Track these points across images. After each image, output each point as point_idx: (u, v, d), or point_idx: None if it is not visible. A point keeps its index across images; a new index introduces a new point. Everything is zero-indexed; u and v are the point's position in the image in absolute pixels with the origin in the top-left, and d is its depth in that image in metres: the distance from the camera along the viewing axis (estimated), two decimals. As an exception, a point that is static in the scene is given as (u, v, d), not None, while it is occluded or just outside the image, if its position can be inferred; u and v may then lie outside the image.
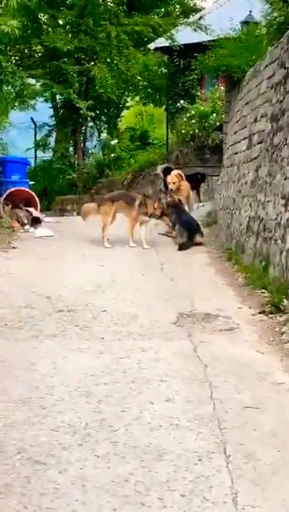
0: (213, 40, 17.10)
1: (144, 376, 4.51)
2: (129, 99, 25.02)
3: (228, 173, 10.49)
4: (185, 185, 11.43)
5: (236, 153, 9.95)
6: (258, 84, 9.03)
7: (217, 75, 20.94)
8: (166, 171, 14.62)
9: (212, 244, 9.72)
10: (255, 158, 8.45)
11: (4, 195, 11.84)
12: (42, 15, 21.99)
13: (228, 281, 7.41)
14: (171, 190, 11.36)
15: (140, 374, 4.55)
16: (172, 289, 7.11)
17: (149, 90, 25.48)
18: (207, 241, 10.13)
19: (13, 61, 21.84)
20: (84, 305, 6.34)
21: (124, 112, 25.57)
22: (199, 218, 11.72)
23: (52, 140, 24.39)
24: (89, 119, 22.62)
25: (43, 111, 24.24)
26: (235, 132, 10.34)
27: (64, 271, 7.91)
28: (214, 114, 17.98)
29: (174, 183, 11.35)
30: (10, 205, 11.64)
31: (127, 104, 24.92)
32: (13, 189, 12.00)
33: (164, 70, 23.20)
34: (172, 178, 11.51)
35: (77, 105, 19.73)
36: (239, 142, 9.85)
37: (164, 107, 25.49)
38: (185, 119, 18.59)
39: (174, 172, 11.90)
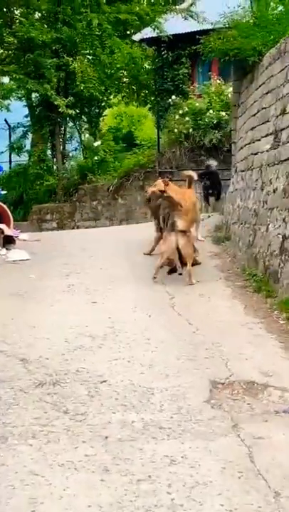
0: (211, 29, 15.49)
1: (183, 525, 2.77)
2: (112, 96, 23.17)
3: (245, 179, 8.76)
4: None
5: (256, 154, 8.23)
6: (284, 67, 7.35)
7: (210, 66, 19.48)
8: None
9: (229, 269, 7.95)
10: (287, 159, 6.75)
11: None
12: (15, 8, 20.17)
13: (265, 325, 5.65)
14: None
15: (175, 520, 2.81)
16: (193, 338, 5.34)
17: (133, 87, 23.68)
18: (221, 263, 8.37)
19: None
20: (74, 372, 4.55)
21: (107, 111, 23.74)
22: (207, 232, 9.99)
23: (28, 142, 22.55)
24: (68, 118, 20.81)
25: (18, 110, 22.39)
26: (253, 128, 8.63)
27: (45, 313, 6.10)
28: (210, 111, 16.32)
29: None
30: (-25, 223, 9.79)
31: (110, 102, 23.04)
32: (-22, 202, 10.16)
33: (147, 66, 21.43)
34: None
35: (56, 103, 17.89)
36: (259, 140, 8.14)
37: (148, 106, 23.76)
38: (177, 117, 16.90)
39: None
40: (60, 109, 18.05)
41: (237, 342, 5.21)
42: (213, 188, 13.62)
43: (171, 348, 5.04)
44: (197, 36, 10.59)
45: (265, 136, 7.81)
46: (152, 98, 22.31)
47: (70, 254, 9.15)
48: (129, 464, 3.30)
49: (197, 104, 16.67)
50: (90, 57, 19.23)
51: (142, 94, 23.86)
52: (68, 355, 4.88)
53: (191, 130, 16.47)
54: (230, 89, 17.24)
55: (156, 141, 18.73)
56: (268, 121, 7.81)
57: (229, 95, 16.83)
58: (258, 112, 8.34)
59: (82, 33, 18.37)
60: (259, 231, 7.37)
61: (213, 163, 14.02)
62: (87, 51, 18.66)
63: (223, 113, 16.26)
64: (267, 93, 8.05)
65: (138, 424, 3.76)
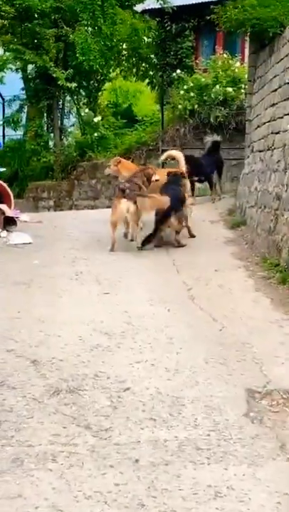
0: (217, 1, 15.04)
1: None
2: (111, 69, 22.37)
3: (264, 160, 8.25)
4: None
5: (277, 133, 7.72)
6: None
7: (215, 40, 18.86)
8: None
9: (248, 257, 7.47)
10: (317, 139, 6.26)
11: None
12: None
13: (297, 322, 5.19)
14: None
15: None
16: (220, 337, 4.88)
17: (132, 60, 22.90)
18: (238, 250, 7.89)
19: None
20: (93, 376, 4.09)
21: (106, 85, 22.98)
22: (219, 216, 9.51)
23: (23, 117, 21.79)
24: (66, 92, 20.08)
25: (12, 83, 21.57)
26: (273, 105, 8.10)
27: (54, 306, 5.61)
28: (217, 86, 15.70)
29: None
30: (-27, 202, 9.23)
31: (110, 76, 22.25)
32: (-24, 180, 9.58)
33: (145, 38, 20.67)
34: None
35: (55, 75, 17.20)
36: (282, 118, 7.62)
37: (146, 80, 23.01)
38: (182, 92, 16.27)
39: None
40: (59, 82, 17.38)
41: (269, 342, 4.75)
42: (200, 173, 12.07)
43: (197, 349, 4.58)
44: (212, 7, 9.91)
45: (289, 113, 7.30)
46: (152, 72, 21.66)
47: (75, 238, 8.64)
48: (167, 497, 2.85)
49: (203, 80, 16.02)
50: (91, 29, 18.46)
51: (142, 68, 23.14)
52: (84, 356, 4.40)
53: (196, 106, 15.85)
54: (238, 63, 16.78)
55: (158, 117, 18.16)
56: (292, 97, 7.30)
57: (236, 70, 16.33)
58: (280, 87, 7.81)
59: (82, 2, 17.61)
60: (282, 217, 6.88)
61: (209, 139, 13.14)
62: (88, 21, 17.90)
63: (230, 89, 15.67)
64: (290, 67, 7.52)
65: (172, 443, 3.30)
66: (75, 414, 3.59)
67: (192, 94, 16.06)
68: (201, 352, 4.52)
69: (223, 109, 15.57)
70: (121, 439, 3.34)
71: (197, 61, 18.38)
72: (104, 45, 18.59)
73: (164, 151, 16.18)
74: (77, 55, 17.66)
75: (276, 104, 7.94)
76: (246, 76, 15.85)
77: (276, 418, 3.64)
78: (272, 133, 7.97)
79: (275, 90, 8.07)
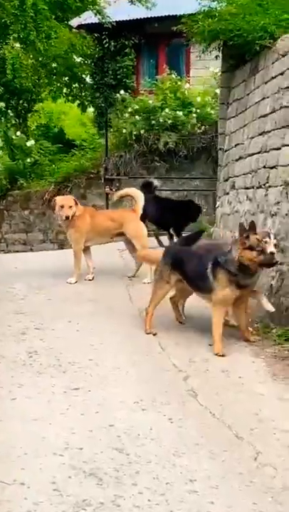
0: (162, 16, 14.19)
1: None
2: (42, 89, 20.81)
3: (254, 200, 6.88)
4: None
5: (273, 168, 6.37)
6: None
7: (157, 58, 17.76)
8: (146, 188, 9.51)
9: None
10: None
11: None
12: None
13: None
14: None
15: None
16: (259, 475, 3.36)
17: (64, 80, 21.41)
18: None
19: None
20: None
21: (38, 106, 21.40)
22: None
23: None
24: (-5, 113, 18.41)
25: None
26: (264, 133, 6.77)
27: (5, 420, 3.95)
28: (166, 110, 14.46)
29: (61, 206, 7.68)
30: None
31: (43, 96, 20.66)
32: None
33: (75, 57, 19.32)
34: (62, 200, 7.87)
35: (-19, 94, 15.56)
36: (279, 149, 6.29)
37: (76, 102, 21.63)
38: (127, 115, 14.95)
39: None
40: (-15, 102, 15.74)
41: None
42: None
43: (238, 506, 3.06)
44: (174, 20, 8.52)
45: (291, 144, 5.97)
46: (84, 93, 20.44)
47: (20, 296, 6.93)
48: None
49: (150, 102, 14.76)
50: (22, 44, 16.91)
51: (74, 88, 21.74)
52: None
53: (142, 131, 14.56)
54: (187, 85, 15.64)
55: (98, 142, 16.81)
56: (294, 124, 5.99)
57: (186, 92, 15.16)
58: (274, 111, 6.50)
59: (14, 14, 16.04)
60: (292, 274, 5.51)
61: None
62: (20, 35, 16.32)
63: (180, 113, 14.52)
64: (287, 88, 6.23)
65: None
66: None
67: (138, 117, 14.79)
68: None
69: (172, 134, 14.38)
70: None
71: (142, 81, 17.27)
72: (38, 61, 17.13)
73: (106, 180, 14.83)
74: (7, 71, 16.07)
75: (268, 132, 6.62)
76: (197, 99, 14.82)
77: None
78: (264, 167, 6.62)
79: (266, 115, 6.75)
